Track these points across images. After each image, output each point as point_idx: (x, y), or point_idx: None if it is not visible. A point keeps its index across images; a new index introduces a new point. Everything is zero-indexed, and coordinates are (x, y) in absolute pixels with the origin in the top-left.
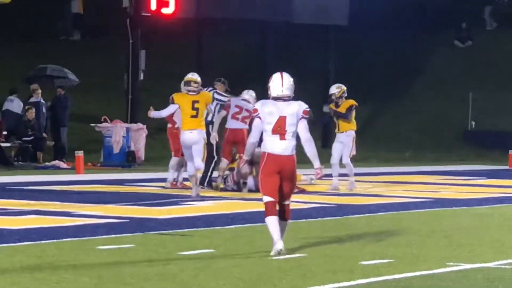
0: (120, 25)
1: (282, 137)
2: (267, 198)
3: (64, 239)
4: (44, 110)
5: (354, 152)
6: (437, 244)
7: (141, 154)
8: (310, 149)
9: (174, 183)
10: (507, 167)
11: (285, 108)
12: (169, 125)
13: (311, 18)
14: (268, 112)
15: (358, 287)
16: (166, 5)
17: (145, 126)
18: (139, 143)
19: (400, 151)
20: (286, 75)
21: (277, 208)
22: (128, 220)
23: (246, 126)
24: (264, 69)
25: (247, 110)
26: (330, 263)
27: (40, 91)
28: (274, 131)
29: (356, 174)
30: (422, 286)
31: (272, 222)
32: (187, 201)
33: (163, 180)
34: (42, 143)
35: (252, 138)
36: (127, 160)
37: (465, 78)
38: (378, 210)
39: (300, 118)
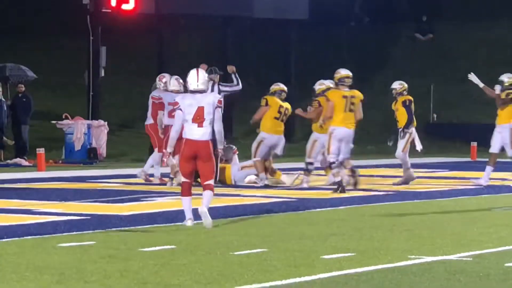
0: (80, 22)
1: (200, 125)
2: (183, 179)
3: (25, 237)
4: (5, 108)
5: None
6: (399, 237)
7: (103, 150)
8: (219, 134)
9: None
10: (469, 159)
11: (202, 99)
12: (152, 122)
13: (271, 13)
14: (188, 104)
15: (320, 281)
16: (127, 1)
17: (106, 123)
18: (101, 140)
19: (362, 145)
20: (201, 71)
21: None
22: (89, 217)
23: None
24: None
25: (171, 104)
26: (291, 257)
27: (0, 89)
28: (194, 120)
29: (317, 168)
30: (384, 280)
31: (186, 202)
32: (148, 197)
33: (125, 176)
34: (3, 142)
35: (174, 131)
36: (89, 157)
37: (426, 71)
38: (340, 203)
39: (216, 107)
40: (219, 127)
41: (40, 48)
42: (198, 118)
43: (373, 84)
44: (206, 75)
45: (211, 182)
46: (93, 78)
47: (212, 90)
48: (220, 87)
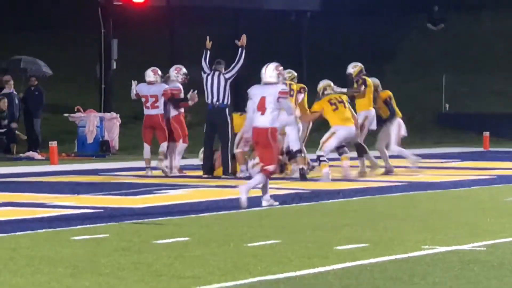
0: (91, 15)
1: (263, 113)
2: None
3: (39, 231)
4: (17, 101)
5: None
6: (412, 228)
7: (115, 143)
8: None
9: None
10: (481, 149)
11: (266, 90)
12: (176, 113)
13: (282, 4)
14: (253, 93)
15: (334, 272)
16: None
17: (118, 115)
18: (113, 133)
19: (375, 135)
20: (270, 66)
21: None
22: (102, 210)
23: (160, 111)
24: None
25: (152, 96)
26: (305, 249)
27: (12, 82)
28: (258, 108)
29: (330, 159)
30: (398, 270)
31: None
32: (161, 189)
33: (137, 169)
34: (16, 135)
35: (248, 118)
36: (101, 149)
37: (438, 61)
38: (353, 195)
39: (278, 98)
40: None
41: (52, 41)
42: (261, 107)
43: (384, 74)
44: (274, 68)
45: (269, 167)
46: (105, 71)
47: (218, 80)
48: (225, 76)
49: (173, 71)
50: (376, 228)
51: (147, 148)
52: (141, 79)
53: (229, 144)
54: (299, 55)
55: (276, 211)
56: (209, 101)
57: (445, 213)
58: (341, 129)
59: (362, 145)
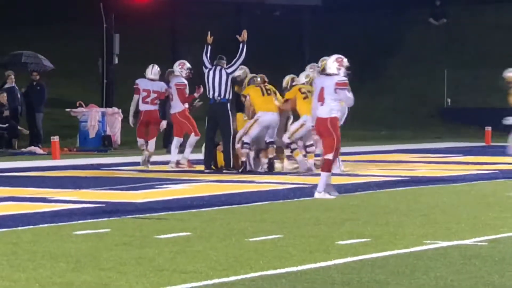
0: (93, 9)
1: (322, 103)
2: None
3: (40, 225)
4: (19, 95)
5: None
6: (414, 223)
7: (117, 138)
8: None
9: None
10: (483, 144)
11: (325, 81)
12: (179, 110)
13: None
14: (315, 85)
15: (335, 267)
16: None
17: (120, 110)
18: (115, 127)
19: (375, 130)
20: (331, 59)
21: None
22: (104, 205)
23: (157, 107)
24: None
25: (154, 92)
26: (306, 243)
27: (13, 77)
28: (318, 99)
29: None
30: (399, 265)
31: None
32: (162, 184)
33: (139, 163)
34: (18, 130)
35: (313, 108)
36: (103, 144)
37: (440, 56)
38: (354, 189)
39: (335, 89)
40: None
41: (53, 36)
42: (320, 98)
43: (387, 69)
44: (334, 60)
45: (328, 156)
46: (107, 66)
47: (220, 75)
48: (227, 71)
49: (177, 66)
50: (378, 223)
51: (141, 141)
52: (143, 74)
53: (231, 138)
54: (301, 50)
55: (278, 206)
56: (211, 96)
57: (447, 208)
58: (309, 120)
59: None
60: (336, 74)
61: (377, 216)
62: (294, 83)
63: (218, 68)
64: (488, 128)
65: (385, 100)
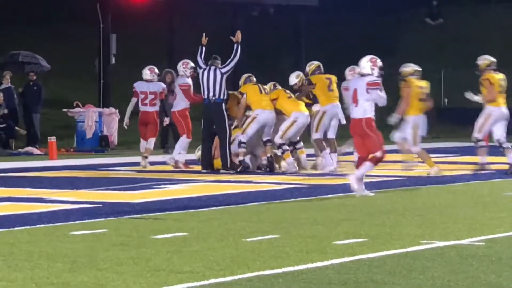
0: (90, 9)
1: (356, 105)
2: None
3: (37, 225)
4: (15, 95)
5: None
6: (411, 223)
7: (114, 138)
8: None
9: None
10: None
11: (357, 82)
12: (179, 108)
13: None
14: (348, 86)
15: (332, 267)
16: None
17: (117, 110)
18: (112, 128)
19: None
20: (363, 60)
21: None
22: (101, 205)
23: (156, 108)
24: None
25: (151, 93)
26: (303, 243)
27: (8, 77)
28: (352, 101)
29: (346, 154)
30: (396, 265)
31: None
32: (159, 185)
33: (136, 164)
34: (15, 131)
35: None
36: (100, 144)
37: (436, 56)
38: (351, 189)
39: (367, 90)
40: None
41: (51, 36)
42: (354, 99)
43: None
44: (368, 60)
45: (376, 154)
46: (104, 66)
47: (215, 75)
48: (221, 70)
49: (180, 66)
50: (375, 223)
51: (143, 143)
52: (140, 74)
53: (228, 138)
54: (297, 50)
55: (275, 206)
56: (205, 96)
57: (444, 208)
58: (301, 116)
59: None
60: (369, 74)
61: (374, 216)
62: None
63: (213, 68)
64: None
65: None
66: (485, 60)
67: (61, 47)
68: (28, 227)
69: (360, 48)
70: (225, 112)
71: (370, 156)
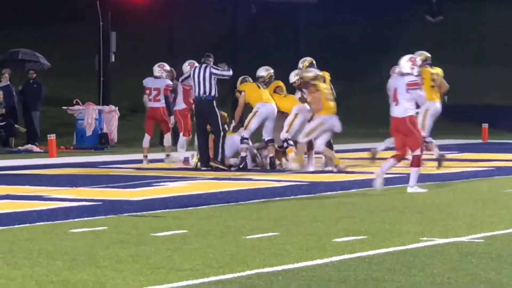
0: (90, 7)
1: (397, 104)
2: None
3: (37, 223)
4: (14, 93)
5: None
6: (411, 220)
7: (114, 136)
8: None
9: (186, 161)
10: (480, 141)
11: (397, 82)
12: (180, 108)
13: None
14: (389, 86)
15: (332, 264)
16: None
17: (117, 108)
18: (112, 125)
19: (372, 128)
20: (403, 59)
21: None
22: (101, 203)
23: (162, 104)
24: (235, 48)
25: (155, 89)
26: (303, 241)
27: (7, 75)
28: (393, 99)
29: (343, 151)
30: (396, 262)
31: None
32: (159, 182)
33: (136, 161)
34: (15, 128)
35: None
36: (100, 142)
37: (436, 53)
38: (351, 187)
39: (407, 89)
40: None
41: (50, 34)
42: (395, 98)
43: (383, 67)
44: (407, 59)
45: (417, 153)
46: (104, 64)
47: (204, 73)
48: (212, 70)
49: (186, 67)
50: (375, 220)
51: (147, 137)
52: (140, 72)
53: (222, 134)
54: (297, 48)
55: (275, 203)
56: (196, 94)
57: (444, 205)
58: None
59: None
60: (409, 74)
61: (374, 213)
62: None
63: (204, 65)
64: (485, 125)
65: (382, 98)
66: (421, 55)
67: (61, 45)
68: (27, 224)
69: (359, 45)
70: (216, 109)
71: (413, 154)
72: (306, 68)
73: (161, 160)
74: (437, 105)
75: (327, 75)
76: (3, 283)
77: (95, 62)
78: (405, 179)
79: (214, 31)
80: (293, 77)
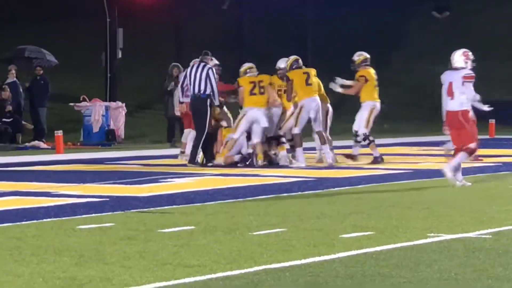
0: (97, 4)
1: (452, 98)
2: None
3: (44, 220)
4: (20, 89)
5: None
6: (418, 216)
7: (121, 132)
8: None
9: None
10: (487, 137)
11: (452, 76)
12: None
13: None
14: (443, 79)
15: (339, 260)
16: None
17: (124, 104)
18: (119, 121)
19: (379, 123)
20: (457, 53)
21: None
22: (108, 199)
23: (187, 99)
24: (241, 44)
25: (186, 85)
26: (310, 236)
27: (14, 71)
28: (447, 94)
29: (335, 147)
30: (403, 258)
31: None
32: (166, 178)
33: (143, 158)
34: (22, 125)
35: (443, 101)
36: (107, 138)
37: (443, 49)
38: (358, 182)
39: (463, 82)
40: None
41: (57, 30)
42: (449, 92)
43: (391, 63)
44: (461, 54)
45: (470, 146)
46: (111, 60)
47: (202, 71)
48: (209, 73)
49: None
50: (382, 216)
51: (185, 132)
52: (147, 68)
53: (204, 134)
54: (304, 44)
55: (282, 199)
56: (191, 91)
57: (451, 201)
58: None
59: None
60: (463, 68)
61: (381, 209)
62: (295, 66)
63: (202, 64)
64: (492, 121)
65: (388, 94)
66: (360, 56)
67: (68, 42)
68: (35, 221)
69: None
70: (208, 108)
71: (464, 147)
72: (290, 66)
73: (168, 157)
74: (378, 105)
75: (312, 72)
76: (10, 280)
77: (102, 59)
78: (411, 175)
79: (220, 28)
80: (283, 64)
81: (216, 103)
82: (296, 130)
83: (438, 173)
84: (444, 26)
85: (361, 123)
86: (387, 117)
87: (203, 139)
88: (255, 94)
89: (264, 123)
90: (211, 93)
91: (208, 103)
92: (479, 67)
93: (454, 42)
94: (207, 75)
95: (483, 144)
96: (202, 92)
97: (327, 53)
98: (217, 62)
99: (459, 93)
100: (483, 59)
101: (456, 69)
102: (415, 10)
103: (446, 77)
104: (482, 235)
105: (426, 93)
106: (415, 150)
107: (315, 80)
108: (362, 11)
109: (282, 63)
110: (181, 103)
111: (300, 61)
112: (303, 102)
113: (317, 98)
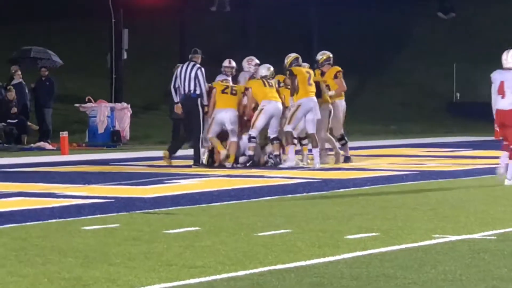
0: (102, 4)
1: (503, 96)
2: (505, 142)
3: (49, 221)
4: (26, 91)
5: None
6: (423, 217)
7: (126, 133)
8: None
9: None
10: (492, 138)
11: (504, 75)
12: None
13: None
14: (494, 78)
15: (344, 261)
16: None
17: (129, 105)
18: (124, 123)
19: (384, 124)
20: (509, 52)
21: None
22: (113, 200)
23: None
24: (247, 42)
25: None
26: (315, 238)
27: (20, 72)
28: (498, 92)
29: (341, 148)
30: (408, 259)
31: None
32: (171, 179)
33: (148, 159)
34: (27, 126)
35: (493, 99)
36: (112, 139)
37: (449, 50)
38: (363, 184)
39: None
40: None
41: (62, 31)
42: (501, 91)
43: (395, 63)
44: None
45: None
46: (116, 61)
47: (191, 70)
48: (198, 73)
49: (245, 63)
50: (387, 217)
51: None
52: (152, 70)
53: (200, 133)
54: (309, 44)
55: (287, 200)
56: (182, 91)
57: (456, 202)
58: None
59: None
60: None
61: (386, 210)
62: (295, 63)
63: (192, 64)
64: None
65: (394, 95)
66: (323, 55)
67: (73, 42)
68: (40, 222)
69: (371, 42)
70: (199, 107)
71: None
72: (290, 64)
73: (174, 158)
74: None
75: (313, 73)
76: (15, 281)
77: (107, 60)
78: (416, 176)
79: (224, 28)
80: (265, 71)
81: (205, 102)
82: (288, 128)
83: (444, 175)
84: (449, 27)
85: (335, 124)
86: (392, 118)
87: (202, 139)
88: (226, 93)
89: (229, 125)
90: (201, 93)
91: (199, 103)
92: (484, 68)
93: (460, 43)
94: (196, 75)
95: (489, 145)
96: (192, 91)
97: (332, 53)
98: (257, 61)
99: (511, 92)
100: (489, 60)
101: (509, 69)
102: (420, 10)
103: (498, 76)
104: (487, 236)
105: (431, 94)
106: (420, 151)
107: (314, 82)
108: (367, 11)
109: (264, 71)
110: (176, 103)
111: (300, 59)
112: (301, 101)
113: (315, 98)
